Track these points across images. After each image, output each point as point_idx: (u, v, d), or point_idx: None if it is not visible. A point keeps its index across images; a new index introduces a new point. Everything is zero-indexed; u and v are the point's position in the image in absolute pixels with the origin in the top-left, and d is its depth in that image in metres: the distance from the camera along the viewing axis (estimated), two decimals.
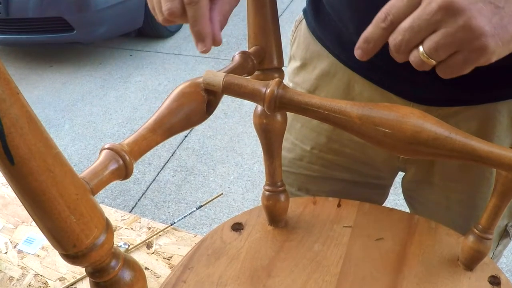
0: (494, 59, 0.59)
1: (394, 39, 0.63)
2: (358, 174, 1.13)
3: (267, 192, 0.94)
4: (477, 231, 0.83)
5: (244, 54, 0.78)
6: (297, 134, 1.11)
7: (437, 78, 0.76)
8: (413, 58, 0.63)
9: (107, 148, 0.57)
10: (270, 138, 0.86)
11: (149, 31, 5.13)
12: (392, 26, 0.62)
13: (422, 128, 0.61)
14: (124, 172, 0.58)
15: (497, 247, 1.10)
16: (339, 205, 1.02)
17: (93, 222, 0.50)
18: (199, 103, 0.69)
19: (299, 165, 1.15)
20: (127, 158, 0.58)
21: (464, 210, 1.05)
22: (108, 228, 0.53)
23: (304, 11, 1.09)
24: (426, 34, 0.60)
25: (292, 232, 0.96)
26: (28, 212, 0.47)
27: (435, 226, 0.96)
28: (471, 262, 0.86)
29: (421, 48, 0.61)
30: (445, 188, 1.04)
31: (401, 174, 1.15)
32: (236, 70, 0.75)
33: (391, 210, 1.01)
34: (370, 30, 0.65)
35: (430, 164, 1.02)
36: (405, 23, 0.61)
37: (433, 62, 0.61)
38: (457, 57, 0.60)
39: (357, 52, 0.67)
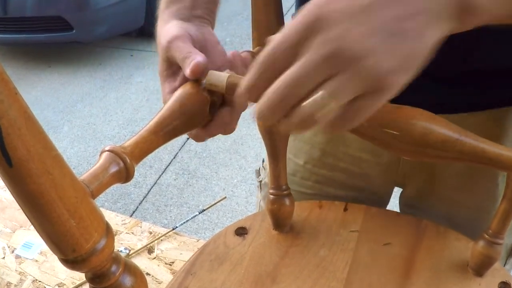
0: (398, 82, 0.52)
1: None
2: (353, 190, 1.11)
3: (271, 196, 0.94)
4: (487, 236, 0.83)
5: (248, 54, 0.78)
6: (290, 147, 1.08)
7: (440, 82, 0.75)
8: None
9: (108, 151, 0.57)
10: (275, 140, 0.86)
11: (151, 30, 5.08)
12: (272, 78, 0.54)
13: (431, 130, 0.61)
14: (125, 175, 0.58)
15: (504, 265, 1.09)
16: (345, 209, 1.02)
17: (93, 226, 0.50)
18: (202, 104, 0.69)
19: (292, 180, 1.13)
20: (128, 160, 0.58)
21: (467, 223, 1.03)
22: (108, 232, 0.53)
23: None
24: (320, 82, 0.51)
25: (297, 237, 0.96)
26: (26, 216, 0.47)
27: (444, 230, 0.96)
28: (481, 267, 0.86)
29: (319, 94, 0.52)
30: (447, 202, 1.02)
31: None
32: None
33: (399, 214, 1.01)
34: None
35: (431, 176, 1.01)
36: (285, 79, 0.52)
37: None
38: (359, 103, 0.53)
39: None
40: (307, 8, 0.50)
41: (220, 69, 0.74)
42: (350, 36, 0.48)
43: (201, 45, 0.76)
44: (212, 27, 0.82)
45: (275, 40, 0.52)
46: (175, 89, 0.73)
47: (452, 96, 0.86)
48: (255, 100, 0.54)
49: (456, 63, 0.79)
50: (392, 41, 0.48)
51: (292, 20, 0.51)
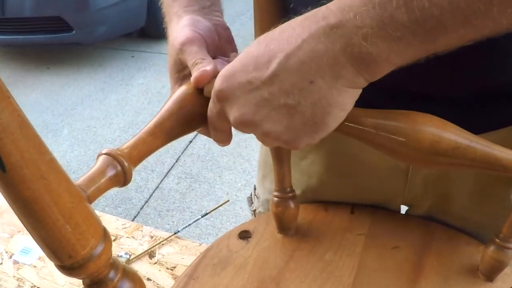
0: (303, 145, 0.64)
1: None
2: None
3: (276, 199, 0.94)
4: (498, 240, 0.83)
5: None
6: None
7: (447, 106, 0.74)
8: None
9: (105, 154, 0.57)
10: None
11: (152, 31, 5.14)
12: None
13: (441, 137, 0.61)
14: (122, 178, 0.58)
15: None
16: (352, 212, 1.02)
17: (89, 232, 0.50)
18: (202, 106, 0.68)
19: None
20: (126, 164, 0.58)
21: (479, 236, 1.01)
22: (105, 238, 0.53)
23: None
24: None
25: (303, 240, 0.96)
26: (21, 222, 0.47)
27: (453, 234, 0.95)
28: (491, 272, 0.86)
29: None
30: (458, 220, 0.98)
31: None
32: None
33: (407, 217, 1.01)
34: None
35: (441, 197, 0.98)
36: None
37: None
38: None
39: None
40: (217, 83, 0.63)
41: None
42: (244, 112, 0.61)
43: (215, 45, 0.78)
44: (222, 17, 0.84)
45: (207, 113, 0.68)
46: None
47: (458, 117, 0.83)
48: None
49: (475, 83, 0.78)
50: (281, 112, 0.60)
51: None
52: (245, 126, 0.63)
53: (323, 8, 0.56)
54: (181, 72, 0.77)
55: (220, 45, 0.80)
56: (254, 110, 0.61)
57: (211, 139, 0.74)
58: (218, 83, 0.63)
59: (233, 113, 0.63)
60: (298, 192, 1.04)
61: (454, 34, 0.52)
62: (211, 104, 0.67)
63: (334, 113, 0.59)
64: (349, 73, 0.56)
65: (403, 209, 1.05)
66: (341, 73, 0.56)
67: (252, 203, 1.22)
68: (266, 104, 0.60)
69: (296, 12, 0.61)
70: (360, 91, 0.59)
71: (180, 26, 0.77)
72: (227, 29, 0.82)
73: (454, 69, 0.71)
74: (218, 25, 0.81)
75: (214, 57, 0.77)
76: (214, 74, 0.69)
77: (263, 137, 0.64)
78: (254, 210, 1.21)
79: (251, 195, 1.24)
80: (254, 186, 1.22)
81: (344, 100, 0.58)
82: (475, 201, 0.94)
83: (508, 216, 0.80)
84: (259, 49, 0.60)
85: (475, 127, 0.68)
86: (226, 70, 0.63)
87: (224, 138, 0.72)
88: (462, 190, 0.94)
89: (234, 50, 0.82)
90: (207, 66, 0.71)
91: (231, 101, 0.62)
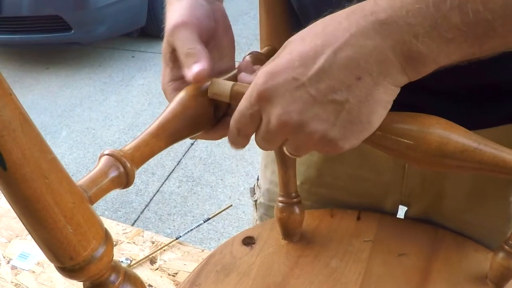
0: (348, 147, 0.62)
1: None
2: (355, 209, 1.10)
3: (280, 204, 0.94)
4: (507, 247, 0.82)
5: (255, 55, 0.78)
6: None
7: (444, 99, 0.75)
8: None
9: (107, 154, 0.58)
10: None
11: (153, 30, 5.14)
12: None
13: (449, 139, 0.61)
14: (124, 180, 0.58)
15: None
16: (358, 218, 1.02)
17: (91, 233, 0.50)
18: (206, 107, 0.69)
19: None
20: (128, 165, 0.58)
21: (480, 241, 1.01)
22: (107, 240, 0.53)
23: None
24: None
25: (308, 247, 0.96)
26: (22, 222, 0.48)
27: (462, 240, 0.95)
28: (501, 280, 0.85)
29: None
30: (456, 222, 1.00)
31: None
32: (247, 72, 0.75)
33: (415, 223, 1.01)
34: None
35: (437, 196, 0.99)
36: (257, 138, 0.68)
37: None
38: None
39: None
40: (255, 84, 0.61)
41: (225, 59, 0.77)
42: (290, 111, 0.59)
43: (209, 34, 0.77)
44: (222, 4, 0.83)
45: (236, 114, 0.66)
46: (176, 79, 0.75)
47: (452, 113, 0.83)
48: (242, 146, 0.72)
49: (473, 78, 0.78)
50: (328, 110, 0.58)
51: (245, 94, 0.64)
52: (289, 127, 0.60)
53: (370, 2, 0.56)
54: (173, 53, 0.75)
55: (217, 33, 0.79)
56: (301, 108, 0.59)
57: (213, 142, 0.74)
58: (261, 80, 0.61)
59: (276, 113, 0.60)
60: (297, 183, 1.05)
61: (502, 40, 0.53)
62: (245, 105, 0.64)
63: (379, 112, 0.59)
64: (396, 71, 0.56)
65: (401, 210, 1.06)
66: (389, 70, 0.56)
67: (255, 193, 1.23)
68: (313, 102, 0.58)
69: (335, 5, 0.60)
70: (399, 89, 0.59)
71: (178, 7, 0.76)
72: (226, 18, 0.81)
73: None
74: (217, 11, 0.80)
75: (208, 44, 0.76)
76: (210, 70, 0.70)
77: (306, 139, 0.61)
78: (256, 201, 1.22)
79: (254, 185, 1.24)
80: (258, 176, 1.23)
81: (388, 98, 0.58)
82: (471, 201, 0.96)
83: None
84: (304, 45, 0.59)
85: (470, 123, 0.68)
86: (269, 67, 0.61)
87: (243, 143, 0.70)
88: (459, 189, 0.95)
89: (230, 39, 0.81)
90: (202, 61, 0.70)
91: (275, 100, 0.60)
